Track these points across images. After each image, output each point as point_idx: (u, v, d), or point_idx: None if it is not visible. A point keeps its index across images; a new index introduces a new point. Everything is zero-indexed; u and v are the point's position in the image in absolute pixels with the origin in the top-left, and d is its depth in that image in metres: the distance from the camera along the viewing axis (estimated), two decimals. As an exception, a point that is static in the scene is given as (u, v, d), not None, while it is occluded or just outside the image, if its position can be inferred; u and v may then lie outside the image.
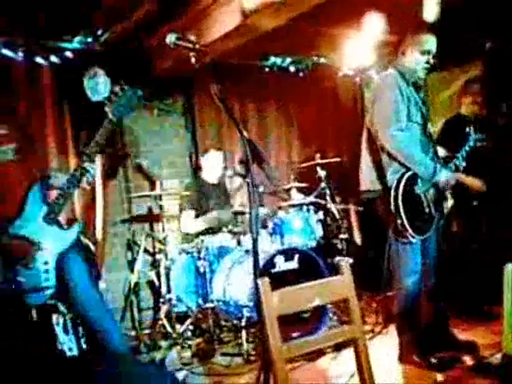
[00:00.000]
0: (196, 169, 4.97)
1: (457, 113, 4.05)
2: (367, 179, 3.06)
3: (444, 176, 2.93)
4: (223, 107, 1.97)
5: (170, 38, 2.15)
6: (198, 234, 4.17)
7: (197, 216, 4.32)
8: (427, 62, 3.00)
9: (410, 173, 2.86)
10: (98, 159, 4.43)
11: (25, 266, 2.35)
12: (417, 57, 2.99)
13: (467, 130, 3.21)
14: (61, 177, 2.60)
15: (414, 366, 2.92)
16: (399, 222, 2.80)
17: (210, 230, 4.21)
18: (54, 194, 2.54)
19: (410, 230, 2.81)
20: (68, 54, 4.15)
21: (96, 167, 2.58)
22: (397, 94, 2.88)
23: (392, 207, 2.81)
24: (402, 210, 2.79)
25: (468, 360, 2.90)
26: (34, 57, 4.00)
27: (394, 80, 2.94)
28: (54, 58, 4.09)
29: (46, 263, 2.40)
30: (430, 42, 3.01)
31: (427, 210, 2.94)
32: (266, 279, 1.56)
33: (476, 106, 3.94)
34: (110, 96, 2.58)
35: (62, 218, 2.55)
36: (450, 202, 3.33)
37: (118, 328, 2.70)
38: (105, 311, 2.59)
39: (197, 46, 2.11)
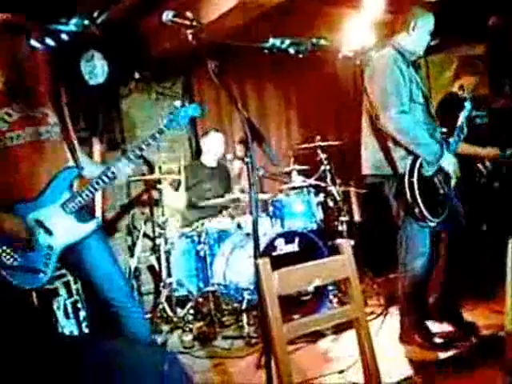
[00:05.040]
0: (196, 152, 4.94)
1: (448, 92, 3.95)
2: (371, 163, 3.00)
3: (447, 162, 2.90)
4: (221, 84, 1.94)
5: (167, 16, 2.10)
6: (198, 218, 4.16)
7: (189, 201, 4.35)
8: (428, 42, 2.95)
9: (420, 158, 2.81)
10: (97, 142, 4.41)
11: (27, 247, 2.28)
12: (421, 36, 2.93)
13: (466, 101, 3.14)
14: (95, 169, 2.50)
15: (416, 345, 2.92)
16: (417, 210, 2.77)
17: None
18: (82, 183, 2.44)
19: (429, 216, 2.79)
20: (64, 36, 4.08)
21: (130, 167, 2.44)
22: (397, 75, 2.80)
23: (408, 195, 2.77)
24: (419, 198, 2.76)
25: (470, 339, 2.90)
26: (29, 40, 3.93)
27: (393, 60, 2.84)
28: (49, 41, 4.03)
29: (49, 248, 2.32)
30: (432, 20, 2.95)
31: (441, 191, 2.91)
32: (266, 259, 1.54)
33: (473, 86, 3.84)
34: (171, 111, 2.50)
35: (83, 211, 2.42)
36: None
37: (141, 314, 2.58)
38: (128, 296, 2.48)
39: (194, 23, 2.06)
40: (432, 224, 2.85)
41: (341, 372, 2.70)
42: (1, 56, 2.31)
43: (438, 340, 2.88)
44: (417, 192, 2.76)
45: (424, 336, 2.91)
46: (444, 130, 3.07)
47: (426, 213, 2.78)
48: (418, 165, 2.80)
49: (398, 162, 2.86)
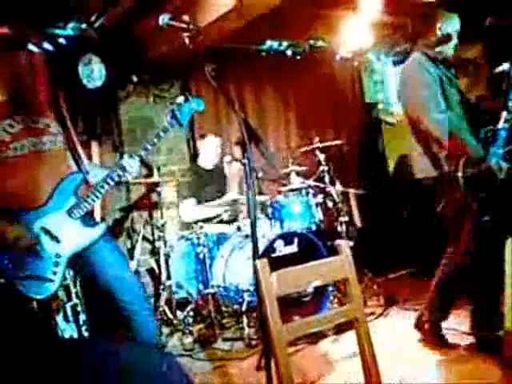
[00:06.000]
0: (194, 155, 4.95)
1: None
2: (419, 166, 2.99)
3: (494, 160, 2.77)
4: (218, 87, 1.94)
5: (163, 19, 2.11)
6: (196, 221, 4.15)
7: (198, 203, 4.30)
8: (457, 43, 2.95)
9: (464, 157, 2.74)
10: (95, 146, 4.41)
11: (34, 256, 2.25)
12: (450, 37, 2.91)
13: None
14: (99, 173, 2.46)
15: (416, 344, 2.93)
16: (467, 209, 2.74)
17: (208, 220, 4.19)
18: (86, 189, 2.41)
19: (479, 213, 2.75)
20: (61, 40, 4.09)
21: (135, 167, 2.42)
22: (427, 77, 2.81)
23: (459, 195, 2.73)
24: (469, 197, 2.72)
25: (471, 338, 2.91)
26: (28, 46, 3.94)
27: (421, 63, 2.86)
28: (47, 45, 4.03)
29: (57, 256, 2.29)
30: (458, 20, 2.95)
31: (489, 187, 2.81)
32: (265, 260, 1.54)
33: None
34: (173, 108, 2.46)
35: (88, 216, 2.41)
36: None
37: (152, 316, 2.57)
38: (140, 299, 2.44)
39: (191, 27, 2.08)
40: (484, 219, 2.78)
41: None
42: (2, 69, 2.31)
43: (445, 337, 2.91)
44: (466, 190, 2.73)
45: (437, 336, 2.93)
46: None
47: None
48: (462, 163, 2.74)
49: (444, 163, 2.84)
